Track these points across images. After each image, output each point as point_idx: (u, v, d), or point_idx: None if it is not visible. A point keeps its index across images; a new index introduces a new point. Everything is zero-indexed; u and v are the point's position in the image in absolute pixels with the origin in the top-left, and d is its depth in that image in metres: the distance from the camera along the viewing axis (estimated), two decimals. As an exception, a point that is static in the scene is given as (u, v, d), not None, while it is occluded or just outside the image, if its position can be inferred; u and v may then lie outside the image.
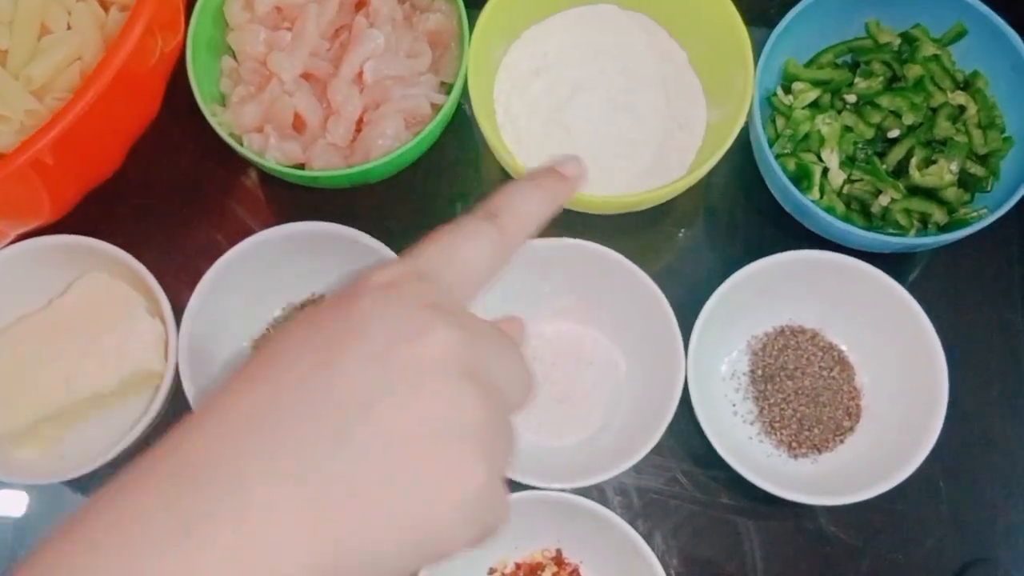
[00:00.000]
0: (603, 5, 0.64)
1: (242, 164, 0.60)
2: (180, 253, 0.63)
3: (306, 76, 0.60)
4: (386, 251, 0.57)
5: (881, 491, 0.53)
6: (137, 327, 0.57)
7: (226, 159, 0.59)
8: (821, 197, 0.58)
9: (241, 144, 0.58)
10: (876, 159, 0.59)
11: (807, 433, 0.58)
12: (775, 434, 0.58)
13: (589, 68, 0.63)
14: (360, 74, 0.59)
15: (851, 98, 0.60)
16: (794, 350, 0.59)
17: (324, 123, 0.59)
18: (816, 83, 0.61)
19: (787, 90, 0.61)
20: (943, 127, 0.58)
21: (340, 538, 0.29)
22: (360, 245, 0.57)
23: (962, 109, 0.59)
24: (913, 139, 0.58)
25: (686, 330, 0.55)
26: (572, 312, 0.60)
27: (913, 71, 0.59)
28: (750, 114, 0.57)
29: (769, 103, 0.61)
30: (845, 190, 0.59)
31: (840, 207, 0.59)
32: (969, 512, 0.59)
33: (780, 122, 0.61)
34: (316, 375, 0.31)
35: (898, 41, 0.62)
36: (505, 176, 0.63)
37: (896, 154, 0.59)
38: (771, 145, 0.60)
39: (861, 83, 0.60)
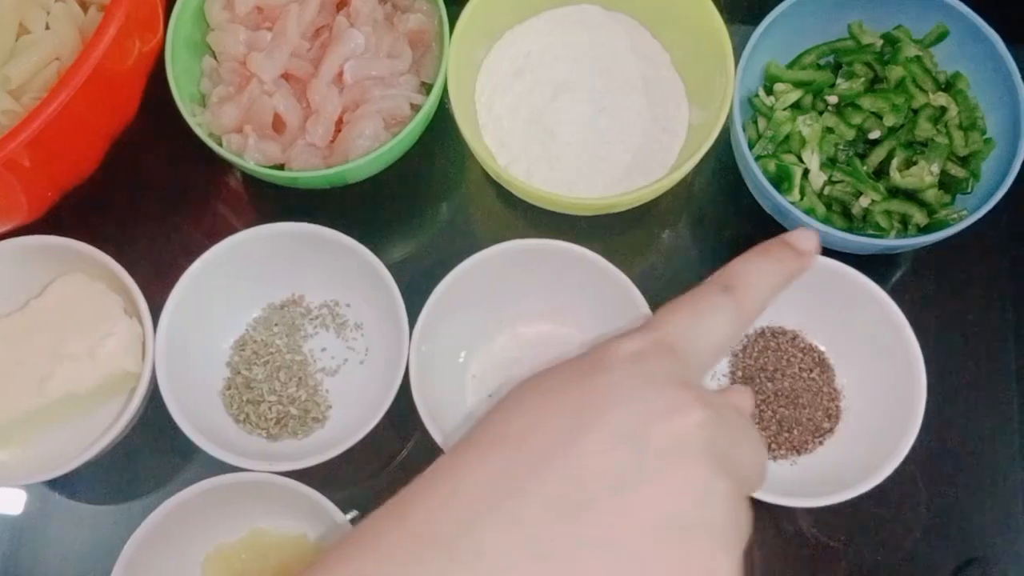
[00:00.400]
0: (586, 6, 0.64)
1: (223, 164, 0.60)
2: (160, 254, 0.63)
3: (286, 76, 0.60)
4: (365, 252, 0.56)
5: (859, 493, 0.53)
6: (114, 328, 0.56)
7: (207, 159, 0.59)
8: (801, 199, 0.58)
9: (220, 144, 0.58)
10: (857, 160, 0.59)
11: (786, 435, 0.57)
12: (755, 436, 0.58)
13: (571, 69, 0.62)
14: (340, 74, 0.59)
15: (833, 99, 0.60)
16: (774, 351, 0.59)
17: (304, 124, 0.58)
18: (798, 84, 0.61)
19: (769, 91, 0.61)
20: (924, 128, 0.58)
21: None
22: (340, 246, 0.57)
23: (943, 110, 0.59)
24: (894, 140, 0.58)
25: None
26: (552, 313, 0.60)
27: (894, 72, 0.59)
28: (730, 115, 0.57)
29: (751, 104, 0.61)
30: (826, 191, 0.59)
31: (820, 209, 0.58)
32: (949, 513, 0.59)
33: (762, 123, 0.60)
34: (562, 449, 0.30)
35: (880, 42, 0.61)
36: (487, 178, 0.63)
37: (877, 155, 0.59)
38: (752, 146, 0.59)
39: (843, 84, 0.60)
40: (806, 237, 0.39)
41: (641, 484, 0.29)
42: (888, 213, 0.57)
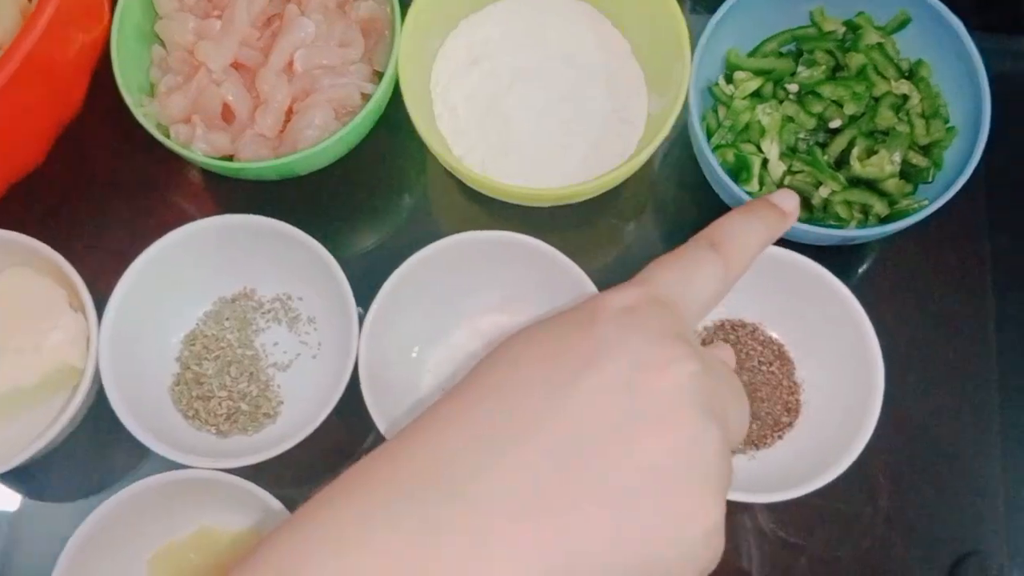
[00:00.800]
0: (545, -7, 0.63)
1: (174, 156, 0.59)
2: (109, 247, 0.62)
3: (236, 66, 0.58)
4: (316, 245, 0.55)
5: (817, 487, 0.52)
6: (59, 322, 0.55)
7: (157, 151, 0.58)
8: (760, 189, 0.57)
9: (168, 135, 0.57)
10: (818, 150, 0.58)
11: (745, 429, 0.56)
12: (713, 430, 0.57)
13: (529, 57, 0.61)
14: (291, 64, 0.57)
15: (793, 88, 0.59)
16: (734, 344, 0.58)
17: (253, 114, 0.57)
18: (758, 72, 0.59)
19: (729, 80, 0.60)
20: (885, 117, 0.57)
21: (570, 565, 0.29)
22: (291, 239, 0.56)
23: (905, 98, 0.58)
24: (855, 129, 0.57)
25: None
26: (507, 306, 0.58)
27: (855, 60, 0.58)
28: (687, 104, 0.55)
29: (711, 93, 0.60)
30: (786, 181, 0.58)
31: (780, 199, 0.57)
32: (909, 508, 0.58)
33: (722, 112, 0.59)
34: (557, 398, 0.30)
35: (842, 29, 0.60)
36: (445, 170, 0.62)
37: (838, 145, 0.57)
38: (711, 135, 0.58)
39: (804, 72, 0.59)
40: (788, 197, 0.41)
41: (635, 433, 0.30)
42: (848, 203, 0.56)
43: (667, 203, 0.65)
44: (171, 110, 0.57)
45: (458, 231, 0.55)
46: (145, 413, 0.55)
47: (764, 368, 0.57)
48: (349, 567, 0.28)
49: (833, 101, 0.58)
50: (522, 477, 0.29)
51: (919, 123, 0.57)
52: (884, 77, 0.58)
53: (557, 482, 0.29)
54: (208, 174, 0.63)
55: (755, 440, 0.56)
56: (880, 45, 0.59)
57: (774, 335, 0.59)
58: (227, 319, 0.60)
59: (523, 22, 0.62)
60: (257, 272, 0.60)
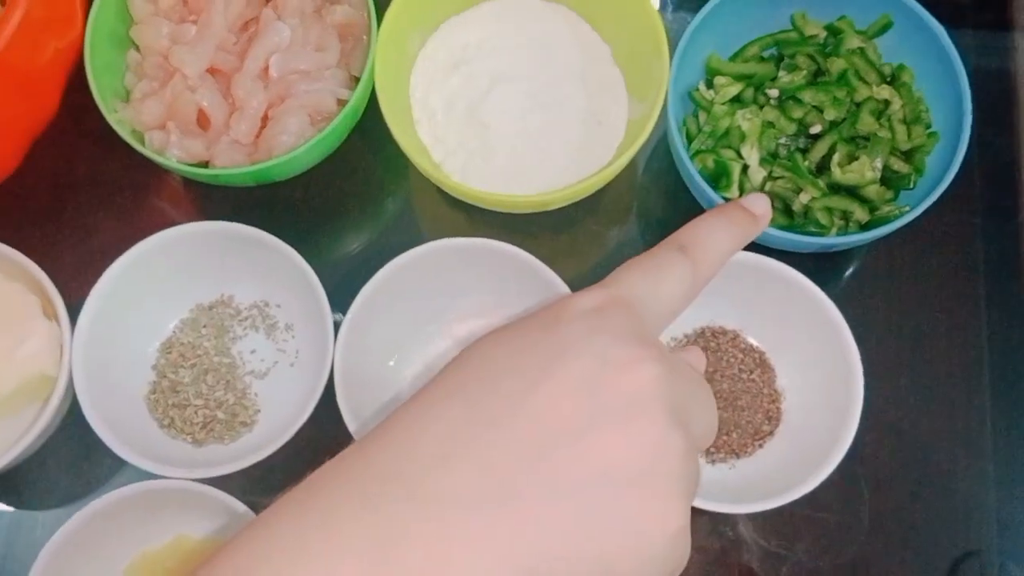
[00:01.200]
0: (524, -3, 0.62)
1: (150, 162, 0.59)
2: (84, 254, 0.61)
3: (212, 71, 0.58)
4: (291, 252, 0.55)
5: (796, 496, 0.51)
6: (33, 330, 0.55)
7: (133, 156, 0.57)
8: (740, 195, 0.57)
9: (142, 141, 0.57)
10: (798, 155, 0.57)
11: (725, 438, 0.56)
12: (693, 439, 0.57)
13: (509, 62, 0.61)
14: (266, 69, 0.57)
15: (774, 93, 0.58)
16: (714, 352, 0.58)
17: (229, 120, 0.57)
18: (738, 77, 0.59)
19: (710, 85, 0.59)
20: (866, 122, 0.57)
21: (532, 565, 0.29)
22: (266, 246, 0.55)
23: (887, 104, 0.58)
24: (836, 135, 0.57)
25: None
26: (486, 313, 0.58)
27: (836, 65, 0.58)
28: (665, 110, 0.55)
29: (691, 98, 0.59)
30: (767, 187, 0.57)
31: (760, 205, 0.57)
32: (893, 517, 0.58)
33: (702, 117, 0.59)
34: (521, 397, 0.30)
35: (824, 34, 0.60)
36: (417, 175, 0.61)
37: (819, 150, 0.57)
38: (691, 140, 0.58)
39: (784, 77, 0.58)
40: (759, 200, 0.42)
41: (598, 433, 0.30)
42: (829, 210, 0.56)
43: (650, 208, 0.64)
44: (146, 116, 0.56)
45: (439, 236, 0.55)
46: (120, 422, 0.54)
47: (745, 376, 0.57)
48: (308, 571, 0.28)
49: (814, 106, 0.57)
50: (484, 477, 0.29)
51: (900, 129, 0.57)
52: (865, 82, 0.58)
53: (519, 483, 0.29)
54: (185, 179, 0.63)
55: (736, 449, 0.56)
56: (861, 50, 0.58)
57: (755, 342, 0.58)
58: (204, 326, 0.59)
59: (502, 26, 0.61)
60: (235, 279, 0.59)
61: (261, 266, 0.57)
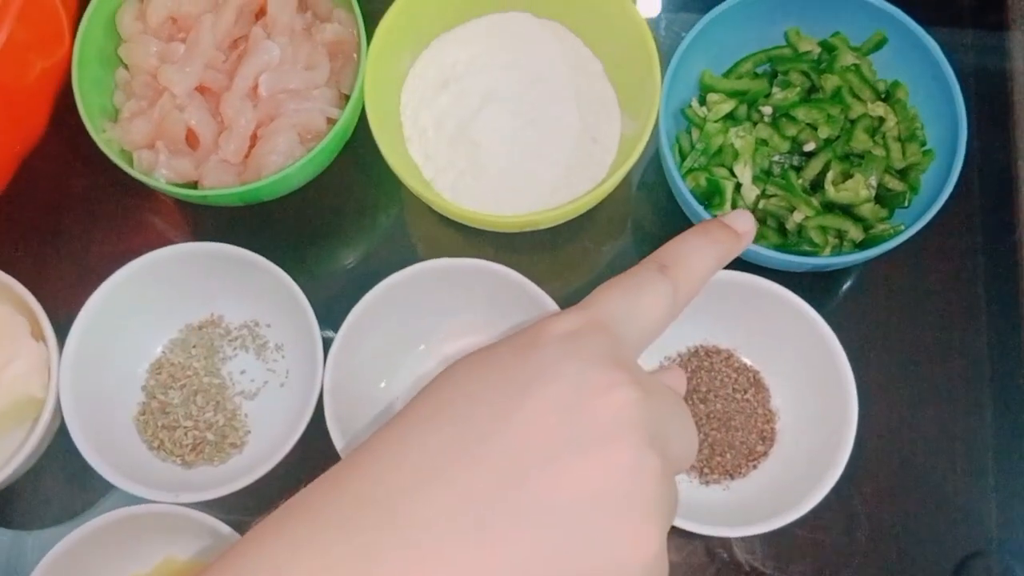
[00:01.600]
0: (515, 13, 0.61)
1: (138, 182, 0.58)
2: (73, 275, 0.61)
3: (202, 89, 0.57)
4: (280, 273, 0.54)
5: (793, 519, 0.51)
6: (20, 351, 0.54)
7: (122, 176, 0.57)
8: (733, 213, 0.56)
9: (131, 161, 0.56)
10: (792, 174, 0.56)
11: (719, 459, 0.55)
12: (687, 459, 0.56)
13: (500, 79, 0.60)
14: (255, 88, 0.57)
15: (767, 110, 0.58)
16: (707, 371, 0.57)
17: (218, 139, 0.56)
18: (732, 94, 0.58)
19: (703, 101, 0.59)
20: (860, 140, 0.56)
21: None
22: (255, 267, 0.55)
23: (881, 121, 0.57)
24: (830, 153, 0.56)
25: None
26: (474, 331, 0.57)
27: (830, 81, 0.57)
28: (656, 127, 0.54)
29: (684, 114, 0.59)
30: (760, 206, 0.57)
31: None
32: (888, 537, 0.57)
33: (695, 135, 0.58)
34: (495, 423, 0.30)
35: (818, 50, 0.59)
36: (409, 194, 0.61)
37: (813, 168, 0.56)
38: (684, 158, 0.57)
39: (778, 94, 0.58)
40: (742, 217, 0.41)
41: (571, 459, 0.30)
42: (823, 228, 0.55)
43: (644, 225, 0.64)
44: (134, 136, 0.56)
45: (431, 255, 0.55)
46: (109, 444, 0.54)
47: (739, 396, 0.56)
48: None
49: (808, 124, 0.57)
50: (457, 503, 0.29)
51: (895, 146, 0.56)
52: (860, 99, 0.57)
53: (493, 510, 0.29)
54: (170, 200, 0.62)
55: (730, 470, 0.55)
56: (856, 66, 0.58)
57: (748, 362, 0.58)
58: (194, 347, 0.59)
59: (492, 43, 0.61)
60: (224, 299, 0.59)
61: (251, 286, 0.57)
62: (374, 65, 0.55)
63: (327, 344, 0.53)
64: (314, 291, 0.55)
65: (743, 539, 0.56)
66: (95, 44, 0.57)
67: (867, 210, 0.55)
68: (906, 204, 0.56)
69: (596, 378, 0.31)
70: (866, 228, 0.56)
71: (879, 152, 0.56)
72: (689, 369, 0.57)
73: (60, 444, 0.55)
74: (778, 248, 0.55)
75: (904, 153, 0.56)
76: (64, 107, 0.58)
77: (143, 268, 0.55)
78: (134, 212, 0.63)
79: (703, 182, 0.56)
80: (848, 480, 0.51)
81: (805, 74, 0.58)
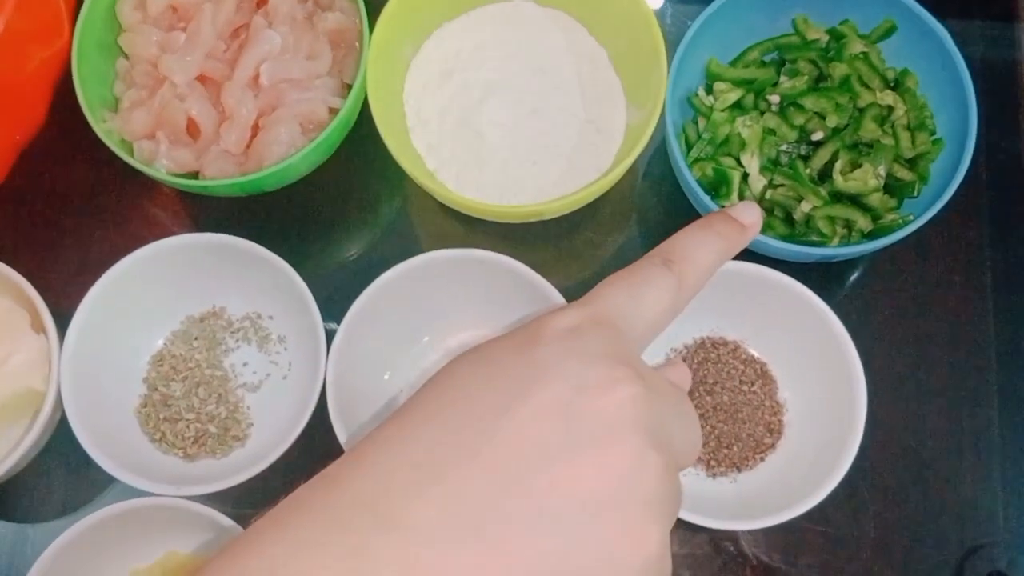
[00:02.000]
0: (519, 2, 0.61)
1: (139, 172, 0.58)
2: (74, 267, 0.61)
3: (202, 79, 0.57)
4: (283, 264, 0.54)
5: (800, 512, 0.50)
6: (21, 344, 0.54)
7: (123, 166, 0.56)
8: (740, 204, 0.55)
9: (131, 151, 0.56)
10: (799, 163, 0.56)
11: (726, 451, 0.55)
12: (693, 452, 0.55)
13: (503, 69, 0.60)
14: (256, 77, 0.56)
15: (775, 99, 0.57)
16: (714, 363, 0.56)
17: (219, 129, 0.56)
18: (739, 83, 0.58)
19: (710, 90, 0.58)
20: (869, 129, 0.55)
21: None
22: (257, 258, 0.54)
23: (890, 110, 0.56)
24: (838, 142, 0.56)
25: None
26: (478, 323, 0.57)
27: (839, 70, 0.56)
28: (662, 117, 0.54)
29: (690, 103, 0.58)
30: (767, 196, 0.56)
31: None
32: (896, 532, 0.56)
33: (701, 124, 0.58)
34: (496, 422, 0.30)
35: (826, 38, 0.59)
36: (413, 185, 0.60)
37: (821, 157, 0.56)
38: (691, 148, 0.57)
39: (786, 83, 0.57)
40: (748, 210, 0.40)
41: (573, 456, 0.29)
42: (831, 219, 0.55)
43: (650, 215, 0.63)
44: (134, 126, 0.56)
45: (434, 246, 0.54)
46: (110, 437, 0.53)
47: (746, 388, 0.56)
48: None
49: (816, 113, 0.56)
50: (456, 503, 0.29)
51: (904, 135, 0.56)
52: (868, 88, 0.56)
53: (492, 509, 0.29)
54: (171, 190, 0.62)
55: (737, 462, 0.55)
56: (865, 55, 0.57)
57: (756, 354, 0.57)
58: (196, 339, 0.58)
59: (496, 32, 0.60)
60: (226, 290, 0.58)
61: (253, 278, 0.56)
62: (376, 54, 0.55)
63: (330, 336, 0.53)
64: (316, 283, 0.54)
65: (750, 532, 0.56)
66: (95, 33, 0.56)
67: (876, 200, 0.55)
68: (915, 194, 0.55)
69: (597, 376, 0.31)
70: (875, 218, 0.55)
71: (888, 141, 0.55)
72: (696, 361, 0.57)
73: (61, 437, 0.55)
74: (786, 238, 0.54)
75: (913, 142, 0.56)
76: (64, 97, 0.57)
77: (144, 259, 0.55)
78: (135, 203, 0.62)
79: (710, 172, 0.55)
80: (855, 471, 0.51)
81: (813, 62, 0.57)
